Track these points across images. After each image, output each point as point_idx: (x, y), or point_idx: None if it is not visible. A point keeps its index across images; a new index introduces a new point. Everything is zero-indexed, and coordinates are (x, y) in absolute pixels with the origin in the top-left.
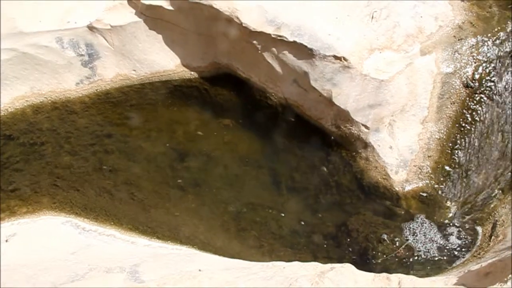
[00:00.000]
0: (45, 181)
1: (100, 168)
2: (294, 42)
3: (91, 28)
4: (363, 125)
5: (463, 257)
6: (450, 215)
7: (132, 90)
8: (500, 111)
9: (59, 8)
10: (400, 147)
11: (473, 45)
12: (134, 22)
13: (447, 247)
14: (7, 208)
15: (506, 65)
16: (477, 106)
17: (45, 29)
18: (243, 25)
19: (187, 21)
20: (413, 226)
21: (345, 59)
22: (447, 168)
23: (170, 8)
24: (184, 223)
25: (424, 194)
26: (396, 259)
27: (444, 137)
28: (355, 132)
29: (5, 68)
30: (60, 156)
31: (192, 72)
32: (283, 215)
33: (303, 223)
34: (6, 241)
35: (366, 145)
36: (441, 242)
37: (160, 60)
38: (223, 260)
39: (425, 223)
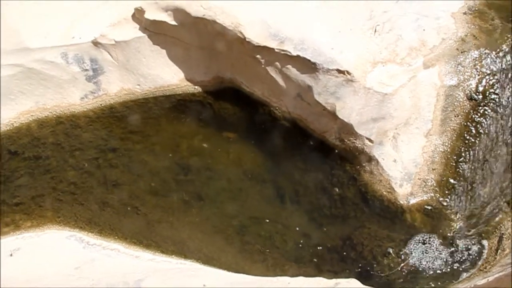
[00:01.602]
0: (50, 195)
1: (105, 182)
2: (298, 56)
3: (95, 43)
4: (367, 138)
5: (469, 272)
6: (456, 228)
7: (136, 105)
8: (504, 123)
9: (64, 22)
10: (404, 160)
11: (476, 57)
12: (138, 37)
13: (453, 261)
14: (11, 222)
15: (509, 77)
16: (481, 118)
17: (51, 44)
18: (247, 39)
19: (190, 36)
20: (418, 239)
21: (348, 73)
22: (451, 181)
23: (174, 23)
24: (188, 237)
25: (429, 207)
26: (402, 273)
27: (449, 150)
28: (359, 145)
29: (10, 83)
30: (65, 170)
31: (196, 87)
32: (287, 228)
33: (307, 236)
34: (11, 255)
35: (370, 158)
36: (446, 256)
37: (164, 74)
38: (227, 275)
39: (430, 236)
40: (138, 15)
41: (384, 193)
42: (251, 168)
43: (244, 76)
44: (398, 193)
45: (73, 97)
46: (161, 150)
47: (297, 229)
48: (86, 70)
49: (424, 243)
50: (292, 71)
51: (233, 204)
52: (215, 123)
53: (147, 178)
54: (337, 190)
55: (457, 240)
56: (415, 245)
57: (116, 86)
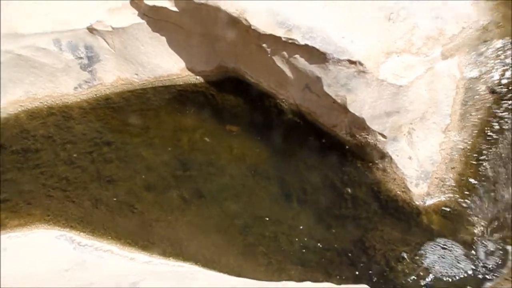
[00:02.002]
0: (39, 191)
1: (98, 178)
2: (306, 45)
3: (91, 30)
4: (379, 133)
5: (492, 281)
6: (477, 232)
7: (134, 95)
8: None
9: (57, 7)
10: (420, 158)
11: (499, 47)
12: (137, 24)
13: (474, 269)
14: None
15: None
16: (505, 113)
17: (42, 30)
18: (252, 27)
19: (192, 23)
20: (435, 244)
21: (360, 64)
22: (472, 181)
23: (175, 9)
24: (187, 237)
25: (447, 209)
26: (417, 281)
27: (469, 147)
28: (371, 141)
29: None
30: (56, 165)
31: (198, 77)
32: (293, 229)
33: (315, 238)
34: None
35: (383, 155)
36: (466, 263)
37: (164, 63)
38: (228, 279)
39: (449, 241)
40: (136, 0)
41: (398, 192)
42: (255, 164)
43: (249, 66)
44: (413, 193)
45: (66, 87)
46: (160, 144)
47: (304, 230)
48: (81, 58)
49: (441, 248)
50: (300, 61)
51: (236, 202)
52: (218, 116)
53: (144, 173)
54: (348, 189)
55: (479, 246)
56: (432, 250)
57: (113, 76)
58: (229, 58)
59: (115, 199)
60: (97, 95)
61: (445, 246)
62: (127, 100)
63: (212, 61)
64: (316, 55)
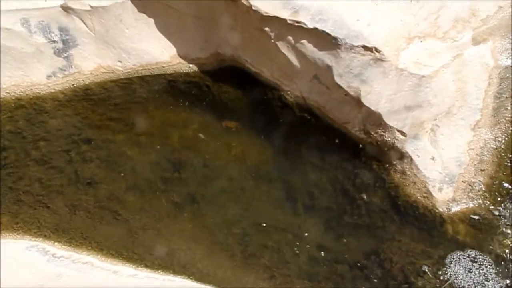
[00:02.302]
0: (6, 196)
1: (77, 181)
2: (315, 29)
3: (65, 8)
4: (398, 131)
5: None
6: (510, 244)
7: (117, 86)
8: None
9: None
10: (445, 159)
11: None
12: (120, 3)
13: (506, 286)
14: None
15: None
16: None
17: (6, 7)
18: (253, 8)
19: (185, 3)
20: (461, 257)
21: (377, 50)
22: (506, 185)
23: None
24: (178, 248)
25: (476, 217)
26: None
27: (502, 146)
28: (389, 139)
29: None
30: (26, 166)
31: (191, 65)
32: (299, 239)
33: (324, 249)
34: None
35: (402, 155)
36: (497, 281)
37: (152, 49)
38: None
39: (478, 253)
40: None
41: (419, 198)
42: (256, 165)
43: (250, 53)
44: (436, 198)
45: (37, 75)
46: (148, 141)
47: (312, 240)
48: (54, 41)
49: (469, 261)
50: (308, 47)
51: (234, 208)
52: (214, 110)
53: (129, 175)
54: (361, 194)
55: None
56: (457, 264)
57: (92, 63)
58: (227, 44)
59: (96, 204)
60: (75, 85)
61: (473, 260)
62: (109, 91)
63: (208, 47)
64: (327, 41)
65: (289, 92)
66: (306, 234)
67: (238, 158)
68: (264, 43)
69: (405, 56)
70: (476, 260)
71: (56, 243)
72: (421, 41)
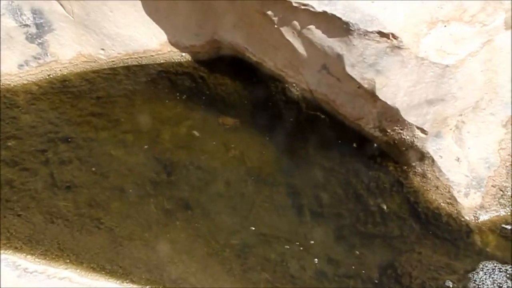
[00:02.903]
0: None
1: (54, 185)
2: (324, 13)
3: None
4: (418, 128)
5: None
6: None
7: (100, 77)
8: None
9: None
10: (472, 160)
11: None
12: None
13: None
14: None
15: None
16: None
17: None
18: None
19: None
20: (491, 271)
21: (394, 37)
22: None
23: None
24: (169, 260)
25: (508, 227)
26: None
27: None
28: (408, 137)
29: None
30: None
31: (184, 54)
32: (306, 251)
33: (334, 263)
34: None
35: (422, 156)
36: None
37: (139, 36)
38: None
39: (510, 268)
40: None
41: (442, 204)
42: (257, 167)
43: (250, 40)
44: (462, 205)
45: (7, 64)
46: (135, 140)
47: (320, 251)
48: (27, 25)
49: (500, 277)
50: (316, 33)
51: (233, 216)
52: (209, 105)
53: (114, 178)
54: (376, 200)
55: None
56: (486, 279)
57: (71, 51)
58: (224, 30)
59: (75, 211)
60: (51, 75)
61: (504, 275)
62: (91, 82)
63: (203, 33)
64: (337, 26)
65: (294, 85)
66: (314, 244)
67: (236, 159)
68: (267, 29)
69: (427, 43)
70: (508, 275)
71: (28, 256)
72: (445, 26)
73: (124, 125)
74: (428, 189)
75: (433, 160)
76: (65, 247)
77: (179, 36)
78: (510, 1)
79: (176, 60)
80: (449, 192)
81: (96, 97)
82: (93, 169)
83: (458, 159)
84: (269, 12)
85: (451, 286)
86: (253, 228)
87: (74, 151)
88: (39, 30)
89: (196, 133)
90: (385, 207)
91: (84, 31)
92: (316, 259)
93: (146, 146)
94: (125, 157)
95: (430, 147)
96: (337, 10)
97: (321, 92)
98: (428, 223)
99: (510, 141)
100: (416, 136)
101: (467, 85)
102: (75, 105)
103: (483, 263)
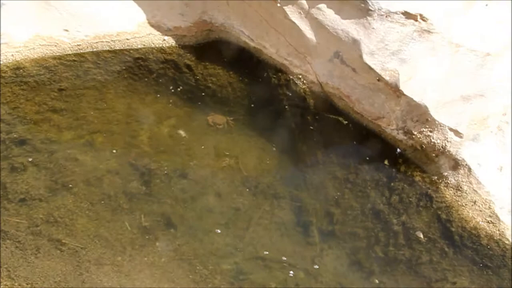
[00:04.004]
0: None
1: (5, 197)
2: None
3: None
4: (451, 129)
5: None
6: None
7: (63, 64)
8: None
9: None
10: None
11: None
12: None
13: None
14: None
15: None
16: None
17: None
18: None
19: None
20: None
21: (423, 18)
22: None
23: None
24: None
25: None
26: None
27: None
28: (439, 141)
29: None
30: None
31: (166, 37)
32: (314, 278)
33: None
34: None
35: (456, 164)
36: None
37: (112, 14)
38: None
39: None
40: None
41: (482, 223)
42: (255, 176)
43: (247, 21)
44: (506, 224)
45: None
46: (105, 142)
47: (331, 279)
48: None
49: None
50: (328, 14)
51: (225, 236)
52: (197, 100)
53: (79, 189)
54: (399, 217)
55: None
56: None
57: (27, 31)
58: (216, 9)
59: (30, 229)
60: (1, 62)
61: None
62: (52, 71)
63: (190, 13)
64: (353, 5)
65: (300, 76)
66: (323, 270)
67: (230, 166)
68: (268, 8)
69: (463, 26)
70: None
71: None
72: (486, 5)
73: (93, 124)
74: (464, 204)
75: (469, 169)
76: (17, 274)
77: (161, 15)
78: None
79: (157, 45)
80: (489, 208)
81: (58, 89)
82: (53, 178)
83: (500, 168)
84: None
85: None
86: (250, 251)
87: (31, 155)
88: None
89: (182, 132)
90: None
91: (43, 7)
92: None
93: (119, 150)
94: (93, 163)
95: (466, 153)
96: None
97: (332, 86)
98: (464, 246)
99: None
100: (448, 139)
101: None
102: (32, 99)
103: None
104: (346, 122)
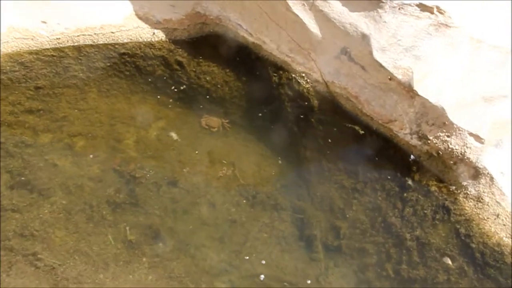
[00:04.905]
0: None
1: None
2: None
3: None
4: (471, 134)
5: None
6: None
7: (40, 60)
8: None
9: None
10: None
11: None
12: None
13: None
14: None
15: None
16: None
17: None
18: None
19: None
20: None
21: (440, 11)
22: None
23: None
24: None
25: None
26: None
27: None
28: (457, 147)
29: None
30: None
31: (155, 31)
32: None
33: None
34: None
35: (477, 172)
36: None
37: (95, 5)
38: None
39: None
40: None
41: (505, 239)
42: (253, 185)
43: (246, 14)
44: None
45: None
46: (87, 146)
47: None
48: None
49: None
50: (334, 6)
51: (220, 251)
52: (190, 100)
53: (57, 198)
54: (413, 231)
55: None
56: None
57: (1, 24)
58: (210, 0)
59: (2, 243)
60: None
61: None
62: (28, 67)
63: (182, 3)
64: None
65: (304, 74)
66: None
67: (225, 173)
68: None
69: (484, 19)
70: None
71: None
72: None
73: (73, 126)
74: (485, 217)
75: (492, 179)
76: None
77: (149, 6)
78: None
79: (145, 40)
80: None
81: (34, 87)
82: (29, 186)
83: None
84: None
85: None
86: (247, 268)
87: (3, 160)
88: None
89: (172, 136)
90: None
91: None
92: None
93: (102, 155)
94: (73, 169)
95: (488, 161)
96: None
97: (339, 85)
98: (486, 264)
99: None
100: (468, 145)
101: None
102: (5, 98)
103: None
104: (354, 125)
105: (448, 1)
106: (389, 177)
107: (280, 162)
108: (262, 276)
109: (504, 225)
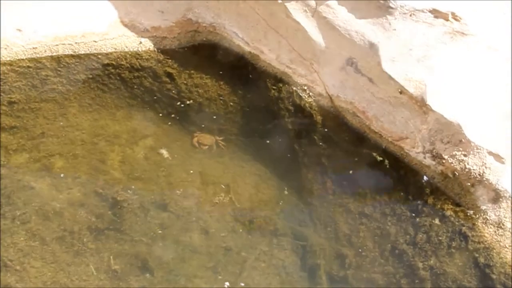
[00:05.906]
0: None
1: None
2: None
3: None
4: (491, 153)
5: None
6: None
7: (15, 71)
8: None
9: None
10: None
11: None
12: None
13: None
14: None
15: None
16: None
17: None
18: None
19: None
20: None
21: (455, 17)
22: None
23: None
24: None
25: None
26: None
27: None
28: (475, 167)
29: None
30: None
31: (142, 39)
32: None
33: None
34: None
35: (497, 195)
36: None
37: (75, 12)
38: None
39: None
40: None
41: None
42: (250, 209)
43: (241, 21)
44: None
45: None
46: (66, 167)
47: None
48: None
49: None
50: (339, 13)
51: (213, 281)
52: (180, 116)
53: (33, 224)
54: (427, 260)
55: None
56: None
57: None
58: (203, 5)
59: None
60: None
61: None
62: (1, 80)
63: (172, 9)
64: (370, 2)
65: (306, 87)
66: None
67: (220, 196)
68: (266, 4)
69: (503, 27)
70: None
71: None
72: None
73: (51, 145)
74: (507, 245)
75: None
76: None
77: (136, 13)
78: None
79: (131, 49)
80: None
81: (7, 102)
82: (1, 211)
83: None
84: None
85: None
86: None
87: None
88: None
89: (164, 152)
90: (431, 262)
91: None
92: None
93: (84, 177)
94: (51, 192)
95: (510, 183)
96: None
97: (345, 99)
98: None
99: None
100: (487, 165)
101: None
102: None
103: None
104: (362, 143)
105: (464, 7)
106: (399, 200)
107: (279, 183)
108: None
109: None
